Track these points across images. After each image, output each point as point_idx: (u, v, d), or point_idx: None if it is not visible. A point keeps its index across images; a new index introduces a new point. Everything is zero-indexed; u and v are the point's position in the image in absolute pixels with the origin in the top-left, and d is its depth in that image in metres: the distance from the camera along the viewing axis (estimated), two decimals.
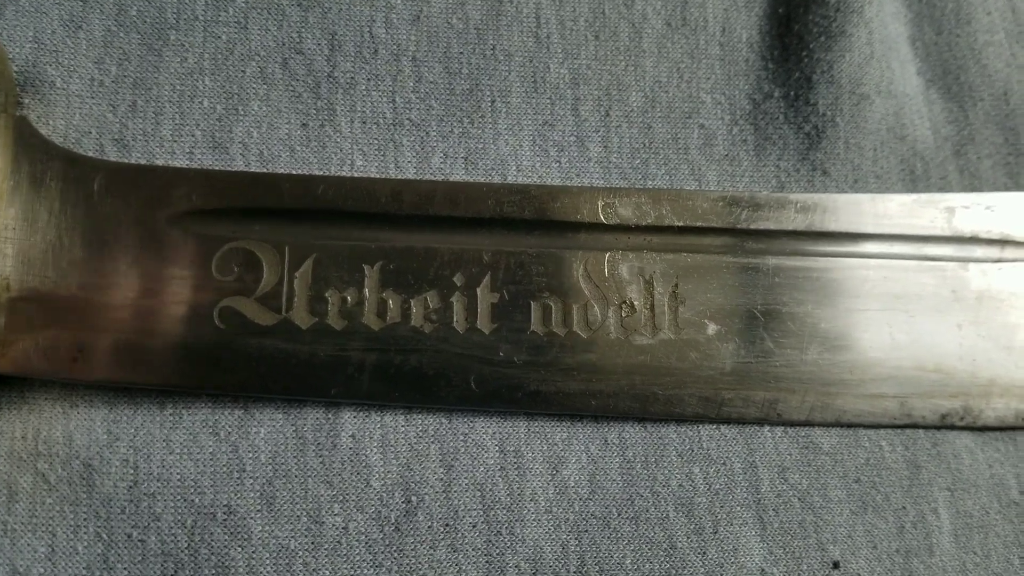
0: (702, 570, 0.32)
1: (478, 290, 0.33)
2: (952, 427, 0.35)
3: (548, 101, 0.37)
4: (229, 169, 0.33)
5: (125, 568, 0.29)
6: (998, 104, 0.41)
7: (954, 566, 0.34)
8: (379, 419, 0.32)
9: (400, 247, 0.33)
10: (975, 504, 0.35)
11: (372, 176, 0.34)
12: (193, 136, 0.33)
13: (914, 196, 0.36)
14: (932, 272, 0.36)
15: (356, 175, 0.34)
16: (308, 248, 0.32)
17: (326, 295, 0.32)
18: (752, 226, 0.35)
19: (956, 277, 0.36)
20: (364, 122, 0.34)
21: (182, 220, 0.32)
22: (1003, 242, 0.36)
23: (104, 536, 0.30)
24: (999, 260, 0.36)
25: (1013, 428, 0.36)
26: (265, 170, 0.33)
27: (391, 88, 0.35)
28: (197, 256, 0.31)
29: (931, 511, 0.34)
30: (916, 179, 0.39)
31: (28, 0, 0.32)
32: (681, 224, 0.34)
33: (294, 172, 0.33)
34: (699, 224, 0.34)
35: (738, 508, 0.33)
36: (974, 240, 0.36)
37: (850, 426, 0.35)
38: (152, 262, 0.31)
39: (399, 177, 0.34)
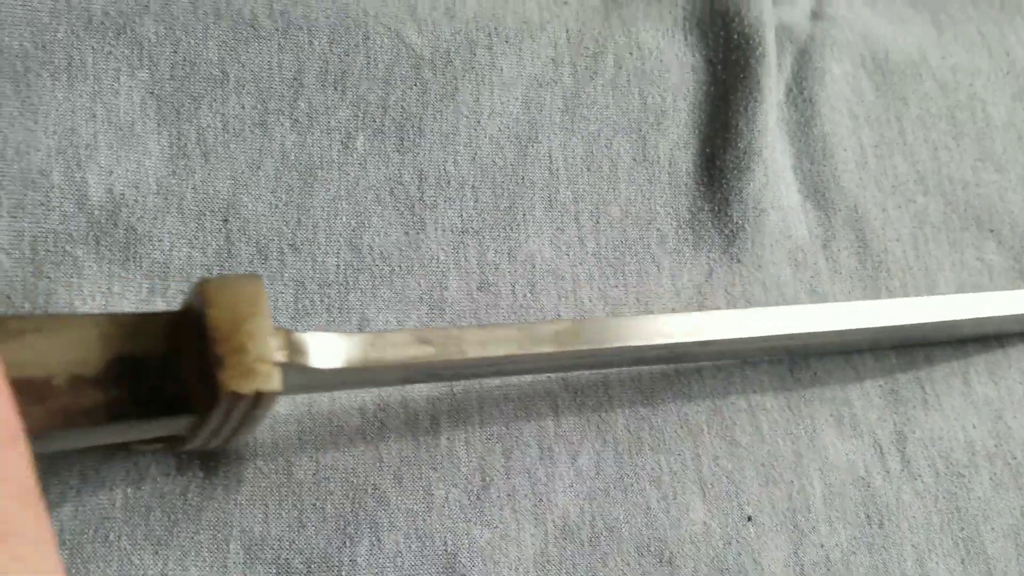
0: (667, 523, 0.49)
1: None
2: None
3: (559, 214, 0.54)
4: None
5: None
6: (851, 213, 0.60)
7: (823, 519, 0.52)
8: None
9: None
10: (843, 477, 0.53)
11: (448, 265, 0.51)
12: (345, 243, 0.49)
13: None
14: None
15: (439, 267, 0.51)
16: None
17: None
18: None
19: None
20: (444, 230, 0.51)
21: None
22: None
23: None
24: None
25: None
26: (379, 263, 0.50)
27: (459, 207, 0.52)
28: None
29: (809, 484, 0.52)
30: (798, 265, 0.58)
31: (224, 148, 0.48)
32: None
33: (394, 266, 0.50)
34: None
35: (688, 483, 0.51)
36: None
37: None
38: None
39: (464, 265, 0.51)
